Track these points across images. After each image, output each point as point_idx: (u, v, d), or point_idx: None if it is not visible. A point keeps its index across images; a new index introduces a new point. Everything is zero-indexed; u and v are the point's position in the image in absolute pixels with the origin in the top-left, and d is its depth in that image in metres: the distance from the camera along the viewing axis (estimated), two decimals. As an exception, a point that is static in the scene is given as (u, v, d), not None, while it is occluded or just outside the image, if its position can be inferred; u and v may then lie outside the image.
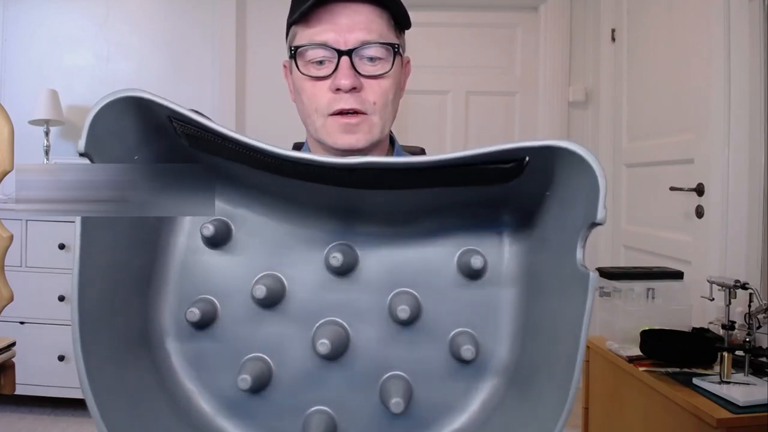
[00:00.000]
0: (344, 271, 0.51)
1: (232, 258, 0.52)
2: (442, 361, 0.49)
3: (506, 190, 0.49)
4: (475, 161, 0.45)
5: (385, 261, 0.52)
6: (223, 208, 0.53)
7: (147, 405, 0.47)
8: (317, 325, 0.50)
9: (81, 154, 0.42)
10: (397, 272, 0.51)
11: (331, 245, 0.51)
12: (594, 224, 0.43)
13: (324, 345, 0.46)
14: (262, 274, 0.51)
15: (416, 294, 0.50)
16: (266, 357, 0.50)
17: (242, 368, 0.48)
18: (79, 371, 0.41)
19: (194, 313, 0.48)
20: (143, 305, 0.50)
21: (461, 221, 0.53)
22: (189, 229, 0.53)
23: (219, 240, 0.52)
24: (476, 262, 0.49)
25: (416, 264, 0.52)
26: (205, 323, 0.50)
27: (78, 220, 0.42)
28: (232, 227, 0.53)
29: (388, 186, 0.48)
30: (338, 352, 0.49)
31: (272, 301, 0.51)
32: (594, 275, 0.43)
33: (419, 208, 0.52)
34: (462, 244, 0.52)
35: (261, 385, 0.50)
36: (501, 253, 0.52)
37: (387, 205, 0.51)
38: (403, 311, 0.47)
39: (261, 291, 0.48)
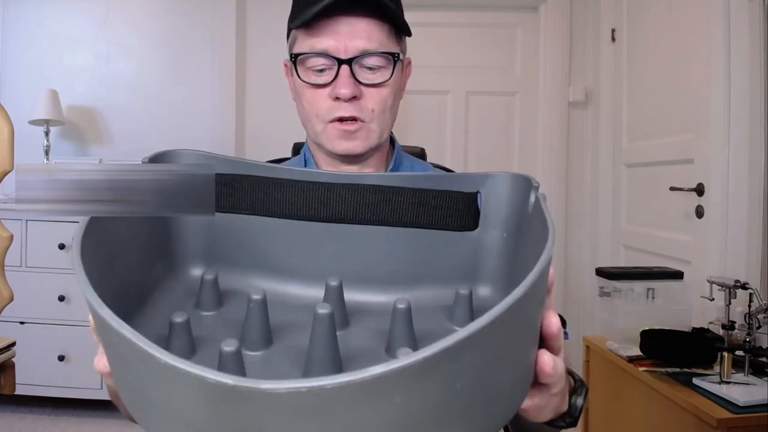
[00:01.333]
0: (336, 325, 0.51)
1: (223, 313, 0.51)
2: None
3: (477, 248, 0.54)
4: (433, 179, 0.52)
5: (375, 312, 0.52)
6: (219, 268, 0.54)
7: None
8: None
9: None
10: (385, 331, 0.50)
11: (320, 302, 0.51)
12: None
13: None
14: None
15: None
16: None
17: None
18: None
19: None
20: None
21: (442, 281, 0.55)
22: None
23: (209, 302, 0.51)
24: (463, 291, 0.50)
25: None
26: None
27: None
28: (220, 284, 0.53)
29: (370, 213, 0.52)
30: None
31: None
32: (542, 195, 0.47)
33: (406, 267, 0.55)
34: (446, 298, 0.53)
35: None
36: (483, 305, 0.53)
37: (378, 256, 0.54)
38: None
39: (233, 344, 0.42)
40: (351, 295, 0.52)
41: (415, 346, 0.45)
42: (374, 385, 0.23)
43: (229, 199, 0.55)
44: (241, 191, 0.55)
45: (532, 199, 0.49)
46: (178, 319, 0.42)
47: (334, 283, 0.49)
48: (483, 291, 0.55)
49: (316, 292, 0.52)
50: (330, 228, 0.55)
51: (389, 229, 0.55)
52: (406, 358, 0.23)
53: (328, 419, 0.23)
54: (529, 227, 0.49)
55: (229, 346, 0.37)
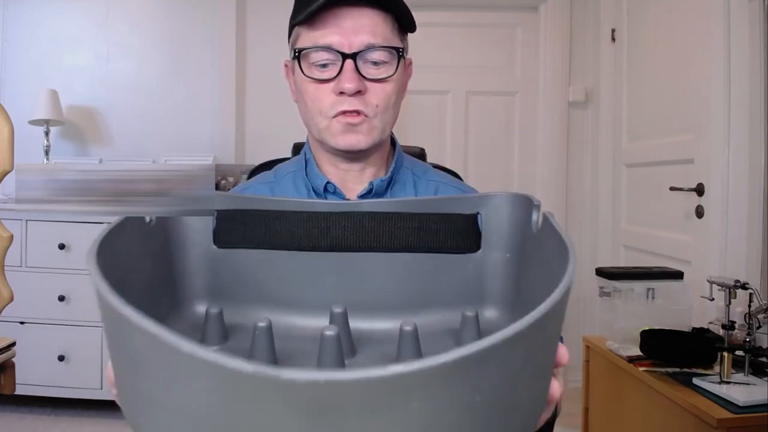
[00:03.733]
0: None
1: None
2: None
3: (479, 272, 0.54)
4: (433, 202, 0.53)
5: (382, 348, 0.52)
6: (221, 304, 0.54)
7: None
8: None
9: None
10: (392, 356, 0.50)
11: (326, 326, 0.51)
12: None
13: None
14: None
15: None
16: None
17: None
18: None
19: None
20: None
21: (447, 306, 0.55)
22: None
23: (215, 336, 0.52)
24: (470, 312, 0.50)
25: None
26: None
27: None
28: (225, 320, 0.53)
29: (374, 238, 0.53)
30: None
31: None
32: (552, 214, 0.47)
33: (411, 296, 0.54)
34: (452, 322, 0.53)
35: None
36: (491, 328, 0.53)
37: (381, 285, 0.54)
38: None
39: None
40: (356, 324, 0.51)
41: None
42: (393, 383, 0.23)
43: (231, 234, 0.55)
44: (242, 226, 0.55)
45: (535, 218, 0.49)
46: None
47: (338, 310, 0.49)
48: (489, 313, 0.55)
49: (321, 322, 0.51)
50: (331, 257, 0.54)
51: (391, 255, 0.54)
52: (428, 360, 0.23)
53: (343, 421, 0.23)
54: (535, 247, 0.48)
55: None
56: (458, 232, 0.54)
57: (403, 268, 0.55)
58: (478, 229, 0.55)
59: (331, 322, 0.49)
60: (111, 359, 0.33)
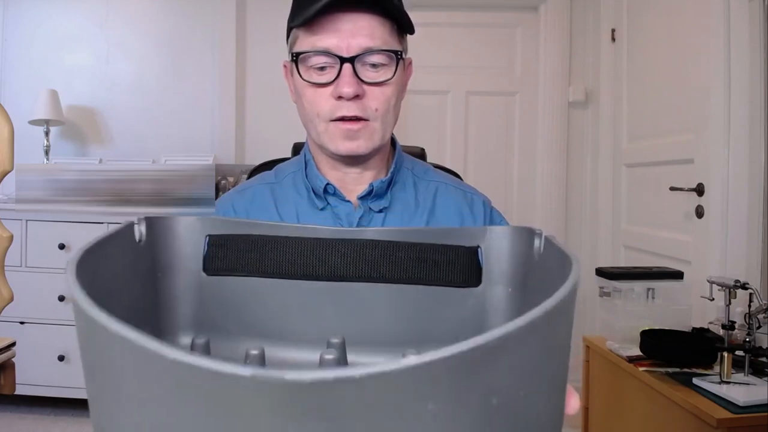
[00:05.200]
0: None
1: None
2: None
3: (480, 306, 0.53)
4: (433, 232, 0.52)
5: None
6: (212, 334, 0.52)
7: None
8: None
9: None
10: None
11: (323, 348, 0.49)
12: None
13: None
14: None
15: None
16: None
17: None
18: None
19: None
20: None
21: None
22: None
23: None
24: None
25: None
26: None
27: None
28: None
29: (374, 268, 0.51)
30: None
31: None
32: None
33: (410, 333, 0.53)
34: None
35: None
36: None
37: (378, 321, 0.53)
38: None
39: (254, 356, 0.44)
40: (354, 357, 0.50)
41: None
42: (407, 378, 0.21)
43: (223, 261, 0.53)
44: (235, 252, 0.53)
45: (537, 244, 0.47)
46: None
47: (336, 340, 0.48)
48: None
49: (316, 355, 0.49)
50: (328, 287, 0.53)
51: (390, 286, 0.53)
52: (443, 351, 0.21)
53: (354, 426, 0.22)
54: (539, 276, 0.47)
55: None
56: (459, 266, 0.53)
57: (402, 300, 0.53)
58: (479, 263, 0.53)
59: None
60: (86, 383, 0.29)
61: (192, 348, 0.48)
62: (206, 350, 0.48)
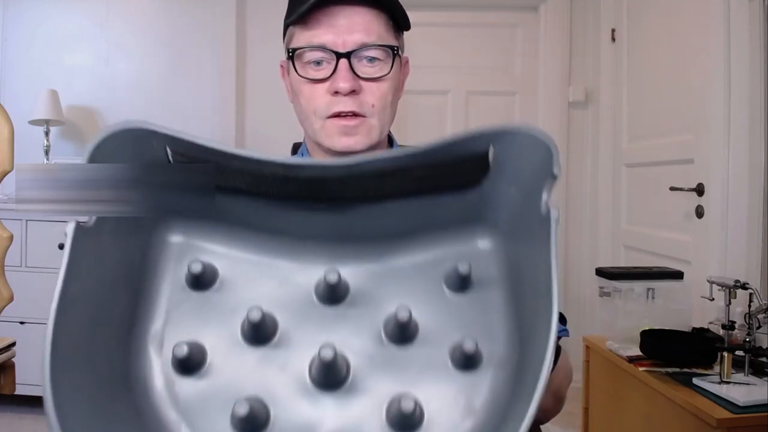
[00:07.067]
0: (336, 298, 0.50)
1: (219, 297, 0.51)
2: (446, 373, 0.48)
3: (479, 199, 0.52)
4: (444, 148, 0.48)
5: (374, 286, 0.51)
6: (209, 248, 0.53)
7: None
8: (312, 356, 0.48)
9: None
10: (388, 296, 0.51)
11: (321, 274, 0.50)
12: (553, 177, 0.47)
13: (326, 351, 0.45)
14: (250, 308, 0.47)
15: (411, 312, 0.50)
16: (261, 397, 0.47)
17: (237, 404, 0.44)
18: (50, 416, 0.38)
19: (182, 349, 0.45)
20: (125, 348, 0.48)
21: (441, 240, 0.53)
22: (173, 273, 0.52)
23: (206, 281, 0.51)
24: (463, 267, 0.49)
25: (405, 285, 0.52)
26: (193, 365, 0.48)
27: (65, 258, 0.42)
28: (218, 268, 0.52)
29: (371, 190, 0.49)
30: (339, 379, 0.48)
31: (264, 336, 0.49)
32: (555, 213, 0.45)
33: (401, 232, 0.52)
34: (445, 260, 0.52)
35: (258, 425, 0.46)
36: (482, 259, 0.53)
37: (371, 229, 0.51)
38: (403, 316, 0.46)
39: (256, 314, 0.45)
40: (345, 271, 0.51)
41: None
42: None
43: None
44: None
45: (545, 197, 0.48)
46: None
47: (332, 276, 0.48)
48: (482, 244, 0.53)
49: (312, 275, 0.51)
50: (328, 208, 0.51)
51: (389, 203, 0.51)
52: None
53: None
54: (533, 225, 0.48)
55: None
56: (463, 173, 0.51)
57: (401, 206, 0.51)
58: (488, 162, 0.51)
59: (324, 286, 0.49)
60: None
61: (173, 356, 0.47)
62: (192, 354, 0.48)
